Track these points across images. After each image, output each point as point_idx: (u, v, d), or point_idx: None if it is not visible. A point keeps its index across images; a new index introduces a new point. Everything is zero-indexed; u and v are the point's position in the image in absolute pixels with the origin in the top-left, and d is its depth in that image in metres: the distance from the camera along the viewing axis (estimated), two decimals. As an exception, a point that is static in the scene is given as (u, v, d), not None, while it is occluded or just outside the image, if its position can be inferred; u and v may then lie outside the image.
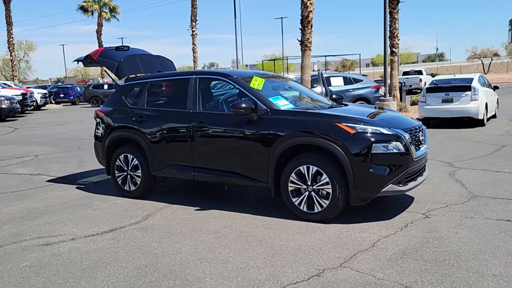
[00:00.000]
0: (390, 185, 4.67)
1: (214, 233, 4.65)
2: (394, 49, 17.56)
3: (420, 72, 33.11)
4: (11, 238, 4.77)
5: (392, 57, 17.78)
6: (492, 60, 60.93)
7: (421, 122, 5.49)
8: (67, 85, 47.41)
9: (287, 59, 40.78)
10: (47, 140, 13.49)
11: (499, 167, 7.12)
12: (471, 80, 13.02)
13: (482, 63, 60.95)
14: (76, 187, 7.05)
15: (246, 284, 3.47)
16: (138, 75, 6.70)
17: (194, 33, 30.51)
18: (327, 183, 4.74)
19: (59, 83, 65.95)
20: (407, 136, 4.79)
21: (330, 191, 4.73)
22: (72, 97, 38.68)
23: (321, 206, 4.79)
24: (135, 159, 6.15)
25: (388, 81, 16.60)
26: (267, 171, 5.09)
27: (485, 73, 52.51)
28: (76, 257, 4.15)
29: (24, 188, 7.11)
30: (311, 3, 11.83)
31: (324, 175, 4.74)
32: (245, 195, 6.31)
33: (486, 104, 12.90)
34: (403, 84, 19.17)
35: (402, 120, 5.29)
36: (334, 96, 6.51)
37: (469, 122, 12.68)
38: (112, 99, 6.64)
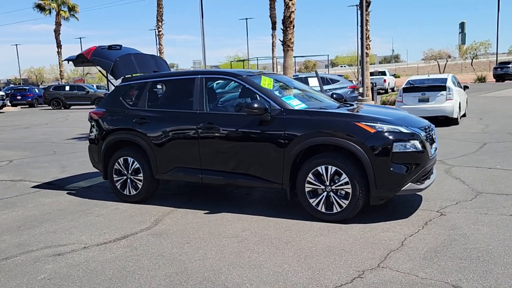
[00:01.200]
0: (410, 183, 4.69)
1: (235, 237, 4.51)
2: (366, 50, 17.84)
3: (383, 73, 33.88)
4: (16, 249, 4.45)
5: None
6: (447, 61, 63.20)
7: (428, 121, 5.55)
8: (24, 86, 45.47)
9: (257, 60, 40.69)
10: (16, 144, 12.84)
11: (490, 164, 7.33)
12: (445, 80, 13.42)
13: (438, 64, 63.12)
14: (67, 193, 6.70)
15: (289, 289, 3.37)
16: (134, 75, 6.45)
17: (161, 33, 29.89)
18: (346, 183, 4.70)
19: (18, 84, 63.07)
20: (423, 134, 4.83)
21: (349, 191, 4.69)
22: (30, 99, 37.11)
23: (340, 206, 4.75)
24: (136, 162, 5.90)
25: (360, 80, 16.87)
26: (283, 172, 4.99)
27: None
28: (97, 267, 3.92)
29: (10, 195, 6.70)
30: (292, 3, 11.83)
31: (344, 175, 4.70)
32: (250, 196, 6.18)
33: (460, 103, 13.33)
34: (374, 85, 19.57)
35: (414, 119, 5.33)
36: (334, 95, 6.51)
37: (444, 121, 13.05)
38: (108, 100, 6.34)
